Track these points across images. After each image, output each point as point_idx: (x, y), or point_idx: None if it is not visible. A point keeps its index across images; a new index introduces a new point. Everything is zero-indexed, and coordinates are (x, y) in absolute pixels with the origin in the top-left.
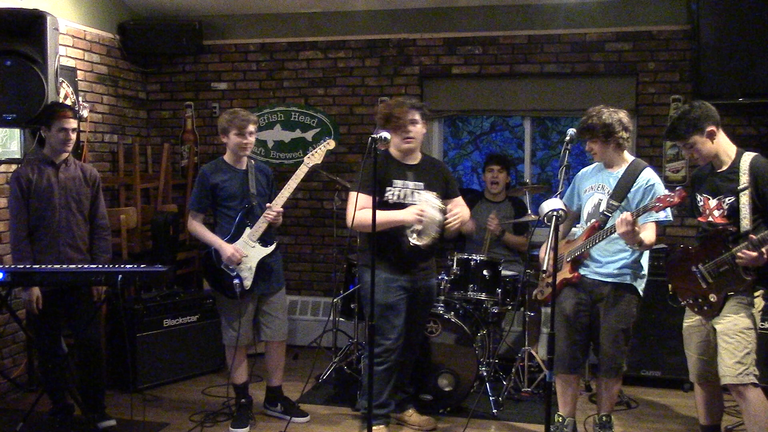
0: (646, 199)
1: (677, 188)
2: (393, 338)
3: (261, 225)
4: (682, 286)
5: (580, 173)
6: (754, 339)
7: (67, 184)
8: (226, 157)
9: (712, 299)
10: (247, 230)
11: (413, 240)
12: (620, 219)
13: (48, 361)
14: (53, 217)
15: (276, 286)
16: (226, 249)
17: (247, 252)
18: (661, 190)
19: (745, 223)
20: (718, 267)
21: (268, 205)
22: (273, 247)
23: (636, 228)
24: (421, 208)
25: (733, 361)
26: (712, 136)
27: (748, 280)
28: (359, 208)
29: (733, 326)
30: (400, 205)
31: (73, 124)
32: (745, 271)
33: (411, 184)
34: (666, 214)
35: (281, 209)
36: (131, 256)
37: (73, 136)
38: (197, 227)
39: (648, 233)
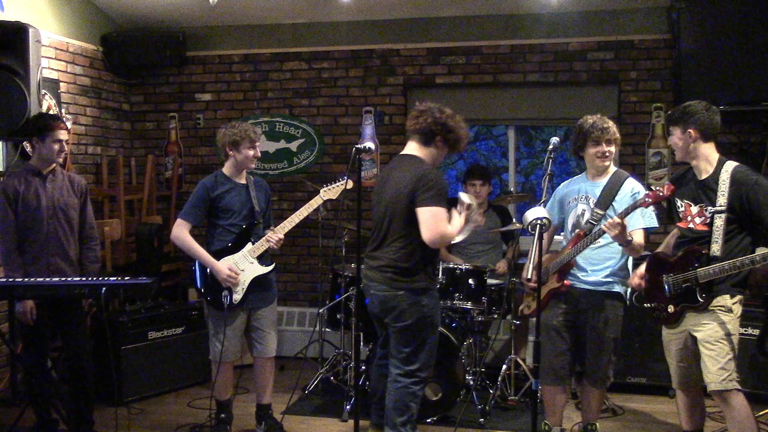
0: None
1: (665, 183)
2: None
3: (263, 244)
4: (650, 290)
5: (561, 186)
6: (735, 345)
7: (54, 194)
8: (226, 171)
9: (669, 310)
10: (249, 245)
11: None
12: (608, 222)
13: (32, 374)
14: (41, 228)
15: (267, 300)
16: (221, 270)
17: (244, 267)
18: None
19: (715, 248)
20: (682, 282)
21: (272, 228)
22: (270, 267)
23: (624, 222)
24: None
25: (717, 367)
26: (688, 138)
27: (701, 301)
28: (447, 222)
29: (714, 333)
30: None
31: (66, 135)
32: (701, 293)
33: None
34: (652, 221)
35: (282, 237)
36: (115, 268)
37: (66, 147)
38: (187, 239)
39: (636, 237)
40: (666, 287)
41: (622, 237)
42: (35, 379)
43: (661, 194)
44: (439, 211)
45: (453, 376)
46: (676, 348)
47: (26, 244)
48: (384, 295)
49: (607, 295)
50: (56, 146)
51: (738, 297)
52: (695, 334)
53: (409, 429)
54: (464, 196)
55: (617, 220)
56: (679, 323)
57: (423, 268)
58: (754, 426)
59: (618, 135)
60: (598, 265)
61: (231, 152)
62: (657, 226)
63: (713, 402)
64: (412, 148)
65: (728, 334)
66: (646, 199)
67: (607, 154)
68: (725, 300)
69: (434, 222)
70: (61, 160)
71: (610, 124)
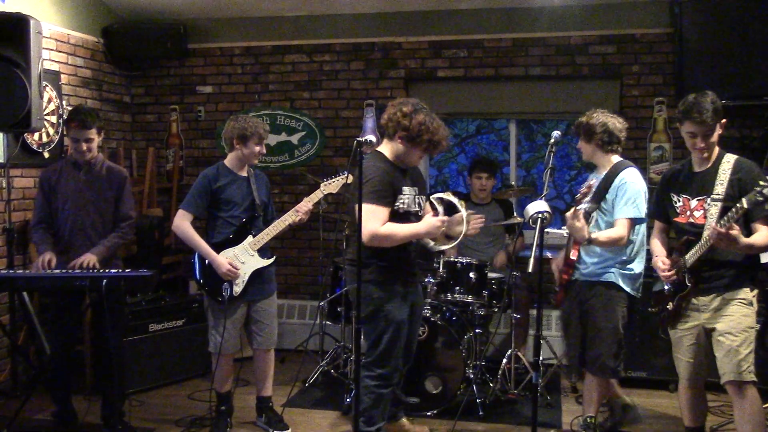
0: (620, 198)
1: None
2: (401, 356)
3: (264, 236)
4: (656, 295)
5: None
6: (754, 338)
7: (87, 185)
8: (228, 163)
9: (669, 307)
10: (249, 238)
11: (437, 246)
12: (567, 214)
13: (56, 360)
14: (68, 216)
15: (267, 291)
16: (222, 264)
17: (245, 260)
18: (633, 188)
19: (706, 234)
20: (676, 275)
21: (294, 209)
22: (271, 260)
23: (578, 224)
24: (445, 218)
25: (739, 358)
26: (720, 128)
27: (690, 285)
28: (382, 223)
29: (736, 324)
30: (406, 214)
31: (86, 134)
32: (689, 277)
33: (410, 190)
34: (637, 211)
35: (305, 216)
36: None
37: (88, 145)
38: (188, 230)
39: (617, 229)
40: (665, 288)
41: (576, 232)
42: (57, 366)
43: (583, 190)
44: (368, 209)
45: (453, 370)
46: (688, 343)
47: (57, 230)
48: (349, 288)
49: (601, 284)
50: (73, 144)
51: (756, 291)
52: (715, 326)
53: (361, 423)
54: (460, 206)
55: (571, 212)
56: (684, 320)
57: (377, 262)
58: (763, 420)
59: (586, 129)
60: (593, 257)
61: (238, 145)
62: (643, 217)
63: (713, 396)
64: (383, 143)
65: (750, 327)
66: (578, 195)
67: (581, 149)
68: (746, 293)
69: (364, 220)
70: (85, 157)
71: (585, 118)
